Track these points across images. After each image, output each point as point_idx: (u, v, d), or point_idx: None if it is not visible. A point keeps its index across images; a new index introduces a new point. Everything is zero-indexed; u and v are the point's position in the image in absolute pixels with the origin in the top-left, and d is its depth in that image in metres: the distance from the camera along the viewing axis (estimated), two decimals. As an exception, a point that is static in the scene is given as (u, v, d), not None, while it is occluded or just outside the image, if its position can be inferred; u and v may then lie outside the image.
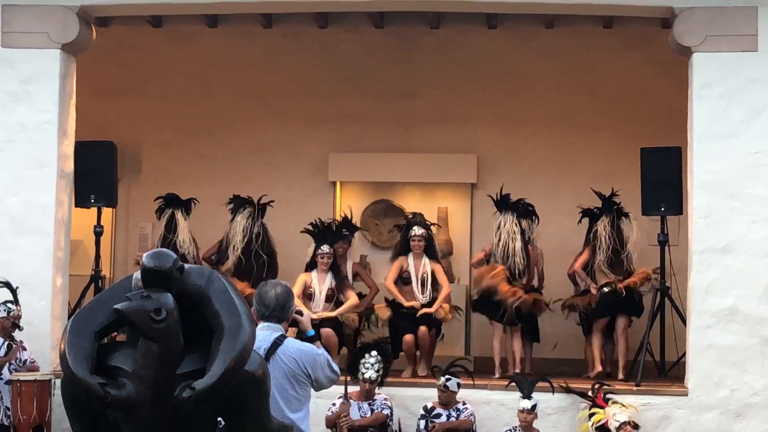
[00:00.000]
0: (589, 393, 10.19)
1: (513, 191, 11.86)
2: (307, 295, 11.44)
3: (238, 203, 12.16)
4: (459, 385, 9.88)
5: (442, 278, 11.60)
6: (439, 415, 9.88)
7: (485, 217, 12.96)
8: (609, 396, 10.14)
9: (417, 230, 11.61)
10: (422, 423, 9.89)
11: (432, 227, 11.85)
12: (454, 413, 9.89)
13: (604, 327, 11.67)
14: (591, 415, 10.03)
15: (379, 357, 9.93)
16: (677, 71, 11.01)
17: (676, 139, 11.08)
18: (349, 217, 12.12)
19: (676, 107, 10.99)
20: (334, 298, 11.45)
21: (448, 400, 9.88)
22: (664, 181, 11.24)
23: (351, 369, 9.94)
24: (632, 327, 11.74)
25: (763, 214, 10.22)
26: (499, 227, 11.58)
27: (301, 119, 13.80)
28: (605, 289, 11.51)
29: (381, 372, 9.94)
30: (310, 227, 11.69)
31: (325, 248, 11.51)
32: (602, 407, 10.00)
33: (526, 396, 9.83)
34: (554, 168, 13.31)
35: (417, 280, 11.56)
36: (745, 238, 10.24)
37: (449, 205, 13.39)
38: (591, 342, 11.64)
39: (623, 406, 10.02)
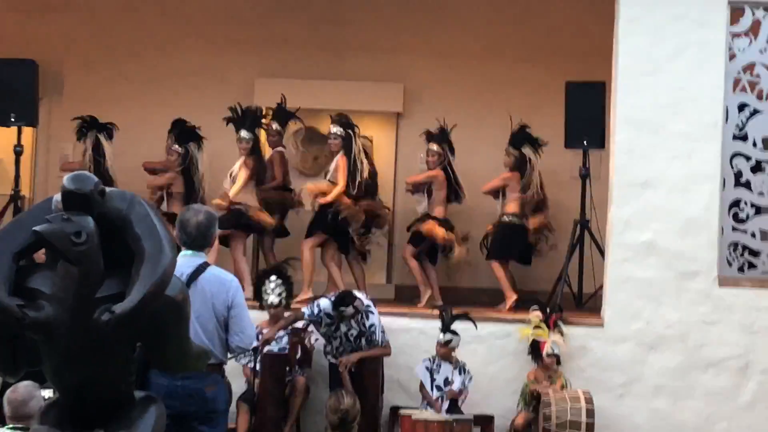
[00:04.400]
0: (548, 309, 10.41)
1: (443, 122, 11.96)
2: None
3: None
4: (358, 307, 9.87)
5: (339, 173, 11.46)
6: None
7: (410, 147, 13.00)
8: (560, 323, 10.30)
9: (332, 128, 11.62)
10: (326, 320, 9.85)
11: (357, 128, 11.80)
12: (356, 326, 9.87)
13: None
14: (536, 327, 10.23)
15: (279, 281, 10.01)
16: (605, 6, 11.04)
17: (602, 74, 11.15)
18: (284, 104, 12.11)
19: (602, 42, 11.05)
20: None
21: (343, 321, 9.87)
22: (588, 116, 11.36)
23: (256, 297, 10.01)
24: (550, 258, 11.92)
25: (684, 150, 10.35)
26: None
27: (228, 43, 13.65)
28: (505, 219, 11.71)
29: (284, 294, 10.02)
30: (230, 113, 11.79)
31: (243, 134, 11.65)
32: (549, 328, 10.19)
33: (444, 330, 10.00)
34: (481, 99, 13.33)
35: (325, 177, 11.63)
36: (665, 174, 10.37)
37: (375, 134, 13.38)
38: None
39: (563, 340, 10.21)
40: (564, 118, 11.66)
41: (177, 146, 12.11)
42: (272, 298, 9.97)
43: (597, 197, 11.50)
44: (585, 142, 11.54)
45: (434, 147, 11.83)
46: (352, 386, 9.58)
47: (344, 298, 9.81)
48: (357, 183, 11.41)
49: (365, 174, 11.49)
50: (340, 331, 9.86)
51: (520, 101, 12.82)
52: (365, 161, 11.56)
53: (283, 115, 12.17)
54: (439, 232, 11.56)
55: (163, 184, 12.11)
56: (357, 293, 10.05)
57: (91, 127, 12.18)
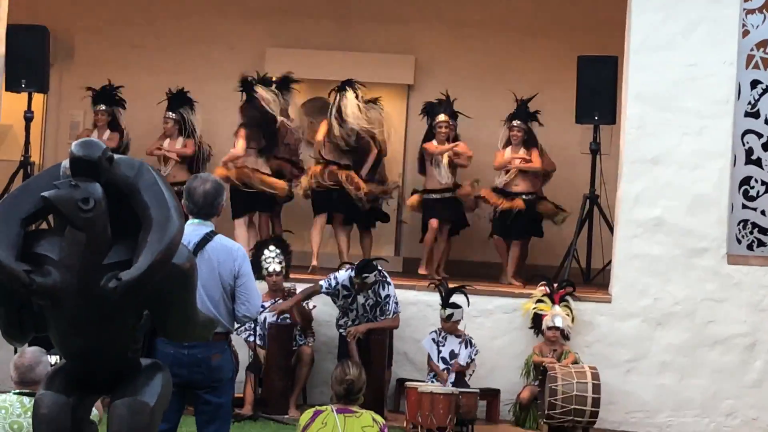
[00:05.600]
0: (555, 285, 10.40)
1: (449, 94, 11.92)
2: None
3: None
4: (376, 276, 9.94)
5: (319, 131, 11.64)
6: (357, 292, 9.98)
7: (421, 120, 12.96)
8: (568, 299, 10.30)
9: (442, 117, 11.70)
10: (343, 292, 9.91)
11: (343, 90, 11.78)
12: (373, 296, 9.94)
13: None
14: (539, 300, 10.25)
15: (278, 250, 10.07)
16: (618, -20, 11.00)
17: (614, 49, 11.11)
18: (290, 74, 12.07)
19: (615, 17, 11.00)
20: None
21: (362, 289, 9.94)
22: (599, 90, 11.32)
23: (253, 269, 10.02)
24: (559, 233, 11.90)
25: (694, 126, 10.33)
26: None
27: (240, 12, 13.60)
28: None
29: (283, 263, 10.07)
30: (240, 83, 11.79)
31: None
32: (553, 303, 10.20)
33: (443, 305, 10.03)
34: (491, 72, 13.28)
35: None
36: (675, 150, 10.35)
37: (385, 106, 13.31)
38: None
39: (569, 314, 10.21)
40: (575, 93, 11.61)
41: (171, 113, 12.10)
42: (274, 266, 10.03)
43: (607, 172, 11.47)
44: (596, 117, 11.50)
45: (442, 117, 11.76)
46: (359, 357, 9.60)
47: (366, 265, 9.92)
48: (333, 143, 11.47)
49: (336, 132, 11.45)
50: (356, 303, 9.92)
51: (532, 74, 12.79)
52: (343, 120, 11.48)
53: (285, 83, 12.04)
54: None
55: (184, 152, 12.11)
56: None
57: (103, 100, 12.20)
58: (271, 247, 10.16)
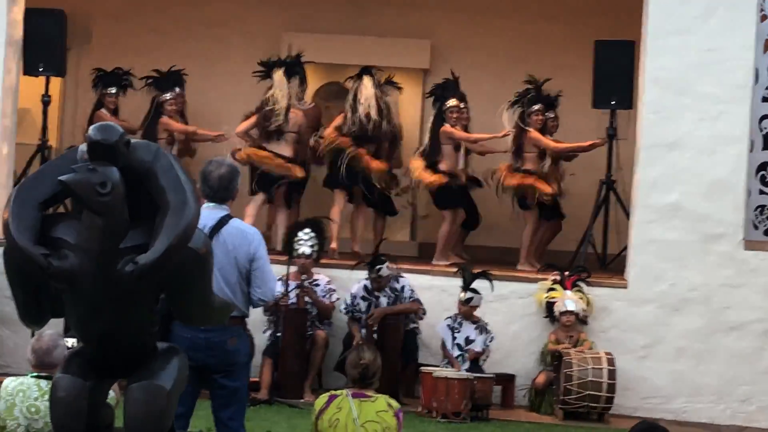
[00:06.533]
0: (566, 273, 10.37)
1: (465, 79, 11.87)
2: None
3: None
4: (388, 268, 10.04)
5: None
6: (377, 296, 10.04)
7: (426, 97, 12.93)
8: (579, 284, 10.29)
9: (452, 102, 11.60)
10: (364, 304, 10.03)
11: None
12: (392, 293, 10.03)
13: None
14: (551, 289, 10.24)
15: (312, 234, 10.07)
16: (635, -36, 10.96)
17: (631, 33, 11.07)
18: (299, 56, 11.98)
19: (632, 1, 10.96)
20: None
21: (381, 285, 10.02)
22: (616, 75, 11.29)
23: (286, 249, 10.08)
24: (575, 218, 11.87)
25: (711, 112, 10.30)
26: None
27: (256, -4, 13.61)
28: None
29: (316, 247, 10.08)
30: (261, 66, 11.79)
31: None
32: (565, 289, 10.19)
33: (465, 288, 10.02)
34: (507, 57, 13.24)
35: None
36: (692, 135, 10.32)
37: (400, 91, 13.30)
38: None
39: (582, 297, 10.19)
40: (592, 78, 11.57)
41: (172, 95, 12.05)
42: (304, 249, 10.02)
43: (624, 158, 11.44)
44: (613, 102, 11.47)
45: (453, 102, 11.66)
46: (374, 342, 9.63)
47: (375, 259, 10.05)
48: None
49: (353, 120, 11.43)
50: (381, 306, 10.01)
51: (548, 59, 12.74)
52: (365, 106, 11.46)
53: (298, 66, 11.98)
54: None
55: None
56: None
57: (114, 83, 12.23)
58: (306, 230, 10.12)
